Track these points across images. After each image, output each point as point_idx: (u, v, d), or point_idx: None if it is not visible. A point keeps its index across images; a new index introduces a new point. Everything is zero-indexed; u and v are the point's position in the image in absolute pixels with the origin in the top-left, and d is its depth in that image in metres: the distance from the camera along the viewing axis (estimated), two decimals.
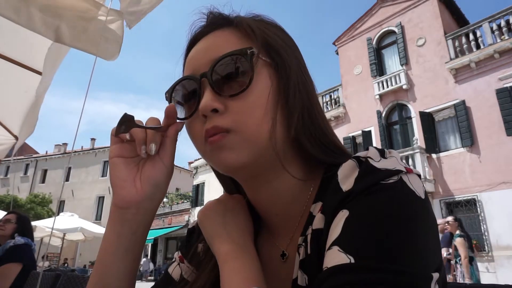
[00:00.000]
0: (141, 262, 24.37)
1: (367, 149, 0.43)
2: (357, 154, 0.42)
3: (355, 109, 15.37)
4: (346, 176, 0.41)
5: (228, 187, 0.59)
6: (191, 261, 0.59)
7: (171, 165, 0.51)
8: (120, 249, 0.49)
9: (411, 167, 0.41)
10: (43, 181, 36.84)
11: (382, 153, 0.42)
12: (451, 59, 12.88)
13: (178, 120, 0.51)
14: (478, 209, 11.40)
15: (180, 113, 0.51)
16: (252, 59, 0.45)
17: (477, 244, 11.11)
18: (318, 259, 0.41)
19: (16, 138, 3.08)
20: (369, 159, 0.41)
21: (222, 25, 0.51)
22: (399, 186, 0.38)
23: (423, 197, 0.38)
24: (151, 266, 24.66)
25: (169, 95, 0.51)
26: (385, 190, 0.37)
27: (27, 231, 2.62)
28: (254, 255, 0.46)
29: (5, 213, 7.89)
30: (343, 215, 0.38)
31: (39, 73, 2.42)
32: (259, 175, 0.48)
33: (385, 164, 0.40)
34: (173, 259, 0.63)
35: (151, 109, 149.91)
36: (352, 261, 0.34)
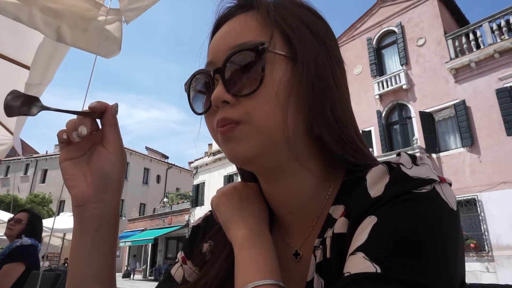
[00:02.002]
0: (129, 261, 26.02)
1: (399, 154, 0.41)
2: (388, 160, 0.40)
3: (355, 109, 14.57)
4: (375, 181, 0.39)
5: (245, 176, 0.57)
6: (195, 261, 0.57)
7: (117, 151, 0.50)
8: (85, 248, 0.49)
9: (444, 177, 0.39)
10: (43, 181, 36.84)
11: (414, 159, 0.40)
12: (451, 59, 12.89)
13: (197, 114, 0.50)
14: (478, 209, 11.40)
15: (199, 106, 0.49)
16: (263, 56, 0.42)
17: (477, 244, 11.13)
18: (338, 264, 0.39)
19: (12, 134, 3.08)
20: (400, 165, 0.39)
21: (246, 8, 0.48)
22: (432, 196, 0.36)
23: (455, 208, 0.37)
24: (138, 265, 25.82)
25: (187, 87, 0.50)
26: (417, 200, 0.36)
27: (35, 231, 2.63)
28: (270, 245, 0.45)
29: (5, 213, 7.86)
30: (370, 221, 0.36)
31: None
32: (273, 170, 0.47)
33: (418, 172, 0.38)
34: (176, 260, 0.62)
35: (151, 109, 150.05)
36: (379, 270, 0.32)
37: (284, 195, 0.49)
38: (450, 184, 0.39)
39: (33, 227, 2.63)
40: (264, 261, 0.41)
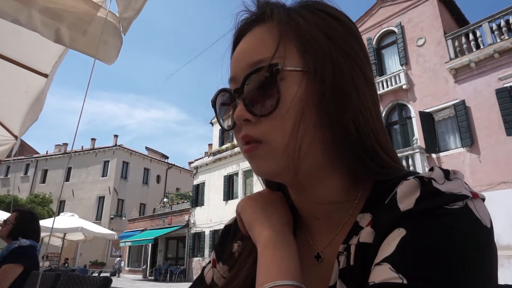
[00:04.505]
0: (115, 261, 26.95)
1: (432, 169, 0.40)
2: (421, 174, 0.40)
3: None
4: (406, 195, 0.38)
5: (269, 184, 0.58)
6: (226, 261, 0.59)
7: None
8: None
9: (477, 192, 0.38)
10: (43, 181, 36.84)
11: (447, 174, 0.39)
12: (451, 59, 12.88)
13: (224, 131, 0.51)
14: None
15: (227, 121, 0.51)
16: (277, 76, 0.43)
17: None
18: (361, 272, 0.40)
19: (16, 138, 3.09)
20: (432, 180, 0.38)
21: (262, 19, 0.48)
22: (464, 212, 0.35)
23: (488, 226, 0.36)
24: (122, 263, 27.27)
25: (213, 103, 0.52)
26: (448, 215, 0.35)
27: (30, 231, 2.57)
28: (294, 247, 0.45)
29: (6, 213, 7.87)
30: (399, 233, 0.36)
31: (39, 73, 2.42)
32: (298, 181, 0.47)
33: (450, 187, 0.37)
34: (209, 260, 0.64)
35: (151, 109, 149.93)
36: (405, 281, 0.32)
37: (310, 202, 0.49)
38: (483, 200, 0.38)
39: (22, 227, 2.55)
40: (287, 262, 0.42)
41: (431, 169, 0.40)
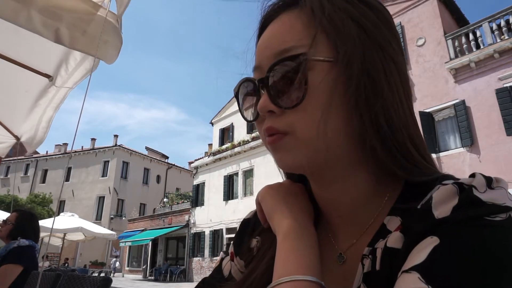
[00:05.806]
0: (111, 261, 27.20)
1: (473, 175, 0.37)
2: (461, 180, 0.36)
3: None
4: (442, 201, 0.35)
5: (290, 176, 0.56)
6: (243, 256, 0.57)
7: None
8: None
9: None
10: (43, 181, 36.85)
11: (489, 182, 0.35)
12: (451, 59, 12.88)
13: (247, 122, 0.49)
14: None
15: (249, 112, 0.49)
16: (306, 66, 0.40)
17: None
18: (387, 279, 0.37)
19: (17, 138, 3.09)
20: (473, 188, 0.35)
21: (291, 5, 0.45)
22: (507, 225, 0.32)
23: None
24: (118, 264, 27.32)
25: (236, 93, 0.50)
26: (488, 227, 0.32)
27: (30, 231, 2.58)
28: (315, 241, 0.43)
29: (6, 213, 7.88)
30: (431, 241, 0.33)
31: (39, 73, 2.42)
32: (323, 176, 0.46)
33: (492, 196, 0.34)
34: (228, 252, 0.63)
35: (151, 109, 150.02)
36: None
37: (334, 199, 0.47)
38: None
39: (22, 227, 2.55)
40: (307, 256, 0.41)
41: (472, 175, 0.37)
